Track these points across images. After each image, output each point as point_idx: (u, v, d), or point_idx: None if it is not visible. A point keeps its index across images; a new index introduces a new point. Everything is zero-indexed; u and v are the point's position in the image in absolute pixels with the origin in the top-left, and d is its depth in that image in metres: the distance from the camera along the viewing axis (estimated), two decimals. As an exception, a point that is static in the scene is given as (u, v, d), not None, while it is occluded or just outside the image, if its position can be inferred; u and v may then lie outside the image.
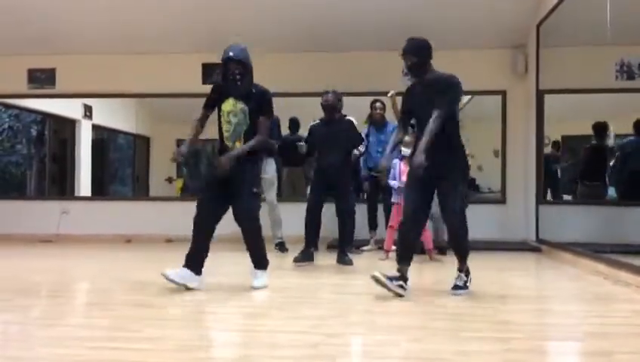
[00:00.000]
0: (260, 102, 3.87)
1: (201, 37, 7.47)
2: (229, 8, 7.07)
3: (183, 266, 3.85)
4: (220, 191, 3.83)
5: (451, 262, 4.10)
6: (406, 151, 5.11)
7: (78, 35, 7.65)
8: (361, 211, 6.41)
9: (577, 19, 6.10)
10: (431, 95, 3.62)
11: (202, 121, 3.98)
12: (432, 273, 4.91)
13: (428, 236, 5.47)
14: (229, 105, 3.85)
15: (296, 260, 5.21)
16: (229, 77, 3.79)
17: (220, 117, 3.92)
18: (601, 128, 6.70)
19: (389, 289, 3.60)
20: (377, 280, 3.61)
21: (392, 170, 5.59)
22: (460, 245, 3.76)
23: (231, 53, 3.77)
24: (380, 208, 6.57)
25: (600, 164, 6.71)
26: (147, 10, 7.16)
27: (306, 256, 5.25)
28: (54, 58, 8.04)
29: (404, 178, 5.01)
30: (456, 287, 3.72)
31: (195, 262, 3.87)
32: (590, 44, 6.29)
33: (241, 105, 3.83)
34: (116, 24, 7.42)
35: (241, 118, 3.84)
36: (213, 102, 3.95)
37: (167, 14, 7.22)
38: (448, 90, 3.66)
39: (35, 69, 8.14)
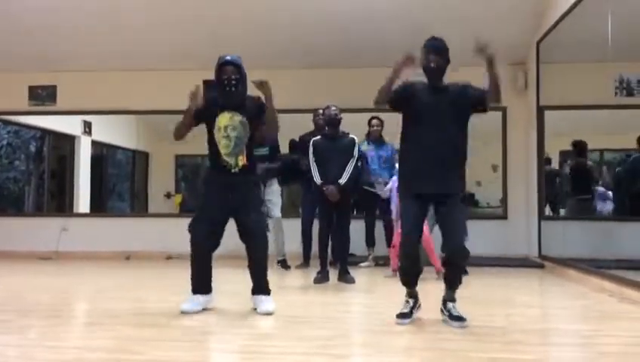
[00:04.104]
0: (255, 111, 3.72)
1: (202, 53, 7.44)
2: (231, 25, 7.08)
3: (194, 293, 3.77)
4: (219, 218, 3.68)
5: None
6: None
7: (79, 52, 7.65)
8: (358, 227, 6.40)
9: (577, 37, 6.11)
10: (449, 101, 3.33)
11: (188, 127, 3.72)
12: (436, 291, 4.84)
13: (431, 248, 5.20)
14: (225, 119, 3.67)
15: (316, 281, 5.20)
16: (224, 82, 3.63)
17: (212, 133, 3.72)
18: (582, 146, 6.75)
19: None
20: (402, 324, 3.41)
21: (391, 185, 5.55)
22: (460, 276, 3.43)
23: (228, 57, 3.66)
24: (379, 225, 6.55)
25: (585, 180, 6.77)
26: (148, 27, 7.16)
27: (325, 277, 5.24)
28: (55, 75, 8.04)
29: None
30: (459, 319, 3.34)
31: (203, 287, 3.79)
32: (590, 60, 6.30)
33: (239, 118, 3.67)
34: (116, 41, 7.42)
35: (241, 130, 3.68)
36: (201, 115, 3.70)
37: (167, 31, 7.23)
38: (472, 89, 3.37)
39: (36, 85, 8.14)
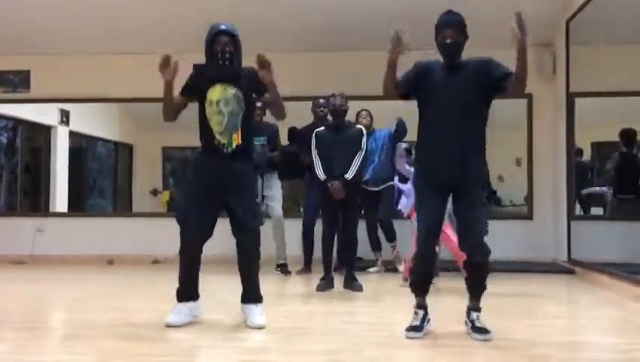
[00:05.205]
0: (250, 83, 3.68)
1: (192, 34, 7.41)
2: (221, 4, 7.05)
3: (179, 302, 3.74)
4: (210, 205, 3.65)
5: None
6: None
7: (55, 33, 7.65)
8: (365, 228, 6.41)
9: (613, 14, 6.08)
10: (468, 78, 3.30)
11: (178, 105, 3.72)
12: (453, 301, 4.85)
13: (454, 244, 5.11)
14: (217, 92, 3.61)
15: (319, 288, 5.20)
16: (218, 54, 3.57)
17: (203, 108, 3.66)
18: (629, 135, 6.71)
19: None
20: (413, 337, 3.36)
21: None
22: (484, 279, 3.39)
23: (223, 26, 3.61)
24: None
25: (633, 175, 6.71)
26: (131, 6, 7.15)
27: (329, 284, 5.24)
28: (29, 59, 8.04)
29: None
30: (482, 331, 3.34)
31: (190, 292, 3.78)
32: (627, 41, 6.28)
33: (232, 91, 3.61)
34: (97, 22, 7.41)
35: (235, 105, 3.61)
36: (192, 89, 3.69)
37: (153, 9, 7.21)
38: (495, 65, 3.31)
39: (8, 70, 8.15)
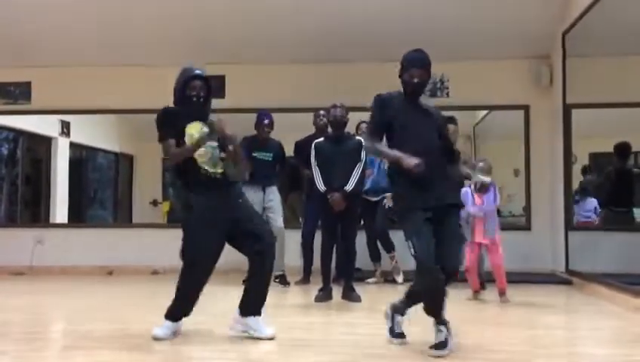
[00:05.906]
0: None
1: (191, 47, 7.48)
2: (221, 16, 7.09)
3: (168, 320, 3.70)
4: (219, 242, 3.67)
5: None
6: (486, 179, 5.18)
7: (55, 45, 7.66)
8: (363, 239, 6.39)
9: (608, 26, 6.11)
10: (434, 122, 3.45)
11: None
12: (453, 303, 4.83)
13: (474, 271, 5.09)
14: (195, 127, 3.65)
15: (318, 299, 5.18)
16: (193, 98, 3.65)
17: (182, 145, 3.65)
18: (623, 149, 6.73)
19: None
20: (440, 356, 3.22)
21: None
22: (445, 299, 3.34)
23: (198, 71, 3.70)
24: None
25: (625, 188, 6.75)
26: (132, 19, 7.18)
27: (327, 295, 5.22)
28: (29, 71, 8.05)
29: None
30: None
31: (183, 315, 3.76)
32: (622, 53, 6.30)
33: (206, 129, 3.67)
34: (97, 33, 7.44)
35: (214, 137, 3.67)
36: (174, 131, 3.67)
37: (153, 22, 7.24)
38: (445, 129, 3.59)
39: (8, 82, 8.14)
